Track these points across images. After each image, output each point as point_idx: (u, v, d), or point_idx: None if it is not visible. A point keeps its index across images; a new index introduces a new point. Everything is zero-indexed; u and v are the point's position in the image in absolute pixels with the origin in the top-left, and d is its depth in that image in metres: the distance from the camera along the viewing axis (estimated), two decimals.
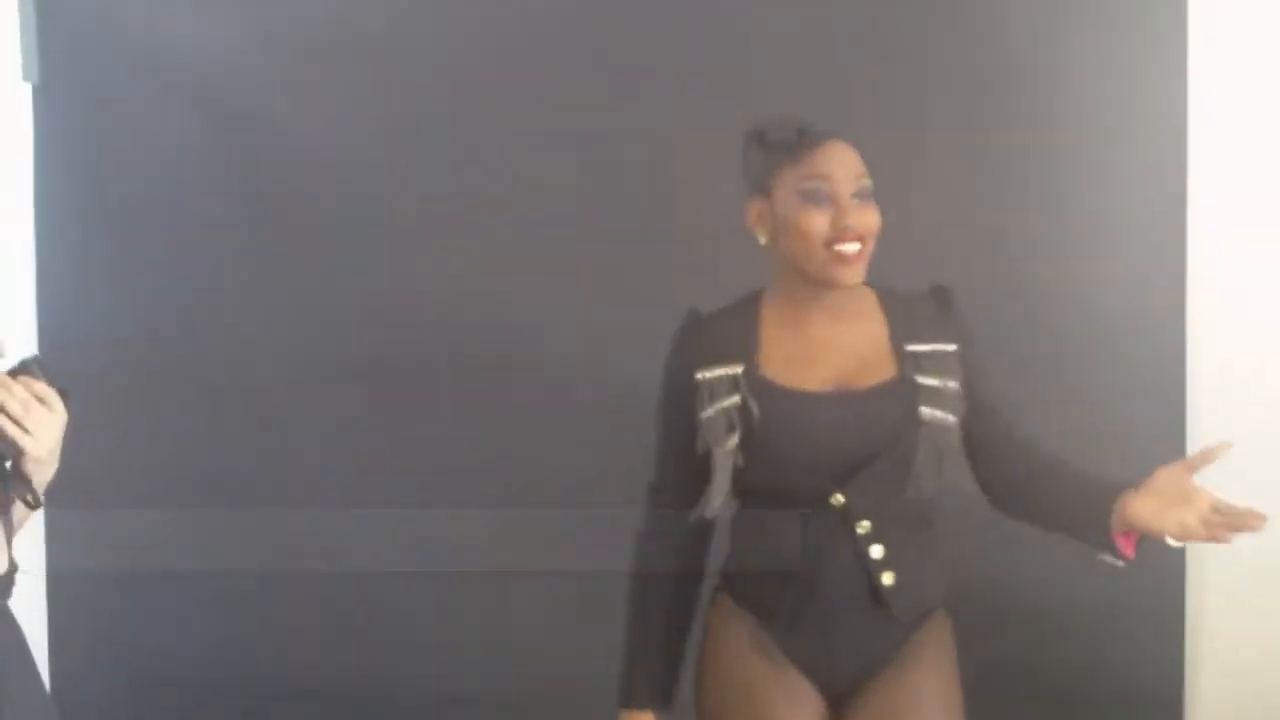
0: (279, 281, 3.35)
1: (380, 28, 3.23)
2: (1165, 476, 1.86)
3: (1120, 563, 1.96)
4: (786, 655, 2.00)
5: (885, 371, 1.96)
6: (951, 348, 1.97)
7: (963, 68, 3.04)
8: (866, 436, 1.93)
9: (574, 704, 2.66)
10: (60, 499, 3.35)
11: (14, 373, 1.68)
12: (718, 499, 1.99)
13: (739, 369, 1.97)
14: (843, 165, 1.93)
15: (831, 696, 2.00)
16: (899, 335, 1.98)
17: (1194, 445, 2.98)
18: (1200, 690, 3.07)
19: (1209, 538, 1.82)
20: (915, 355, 1.96)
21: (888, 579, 1.95)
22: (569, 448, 3.12)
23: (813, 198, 1.91)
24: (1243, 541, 2.89)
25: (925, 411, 1.93)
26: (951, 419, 1.94)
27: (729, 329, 2.03)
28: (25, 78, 3.35)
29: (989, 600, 3.08)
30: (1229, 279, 3.00)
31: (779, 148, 1.96)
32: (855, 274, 1.93)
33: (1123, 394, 3.03)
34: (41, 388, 1.66)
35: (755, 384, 1.96)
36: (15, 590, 3.36)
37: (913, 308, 2.01)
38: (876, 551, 1.94)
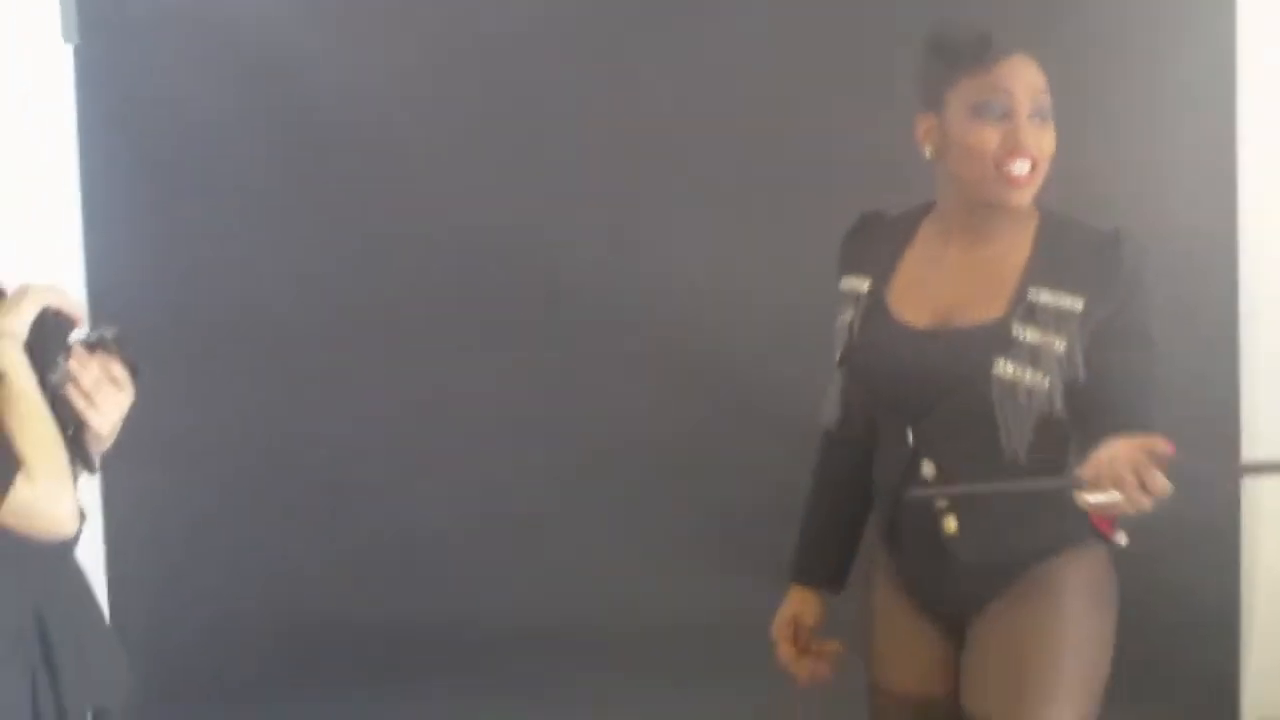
0: (321, 237, 3.37)
1: None
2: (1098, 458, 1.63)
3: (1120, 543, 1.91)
4: (900, 578, 1.99)
5: (993, 311, 1.82)
6: (1079, 304, 1.76)
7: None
8: (939, 378, 1.82)
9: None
10: (114, 451, 3.48)
11: (92, 345, 1.69)
12: (827, 408, 2.01)
13: (866, 285, 1.95)
14: (1023, 81, 1.81)
15: (951, 620, 1.96)
16: (1032, 273, 1.82)
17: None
18: (1256, 614, 3.06)
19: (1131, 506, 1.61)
20: (1031, 302, 1.79)
21: (950, 525, 1.86)
22: (621, 393, 3.13)
23: (988, 112, 1.80)
24: None
25: (1002, 365, 1.77)
26: (1044, 381, 1.75)
27: (881, 240, 1.99)
28: (66, 39, 3.36)
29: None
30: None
31: (959, 57, 1.83)
32: (1024, 196, 1.82)
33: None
34: (116, 367, 1.67)
35: (869, 305, 1.93)
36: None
37: (1070, 246, 1.83)
38: (941, 503, 1.86)
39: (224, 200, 3.39)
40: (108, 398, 1.65)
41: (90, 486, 3.52)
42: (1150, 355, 1.78)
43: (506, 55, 3.22)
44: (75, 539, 1.66)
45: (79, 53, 3.37)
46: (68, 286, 3.38)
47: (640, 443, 2.92)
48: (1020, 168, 1.79)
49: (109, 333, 1.70)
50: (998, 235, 1.86)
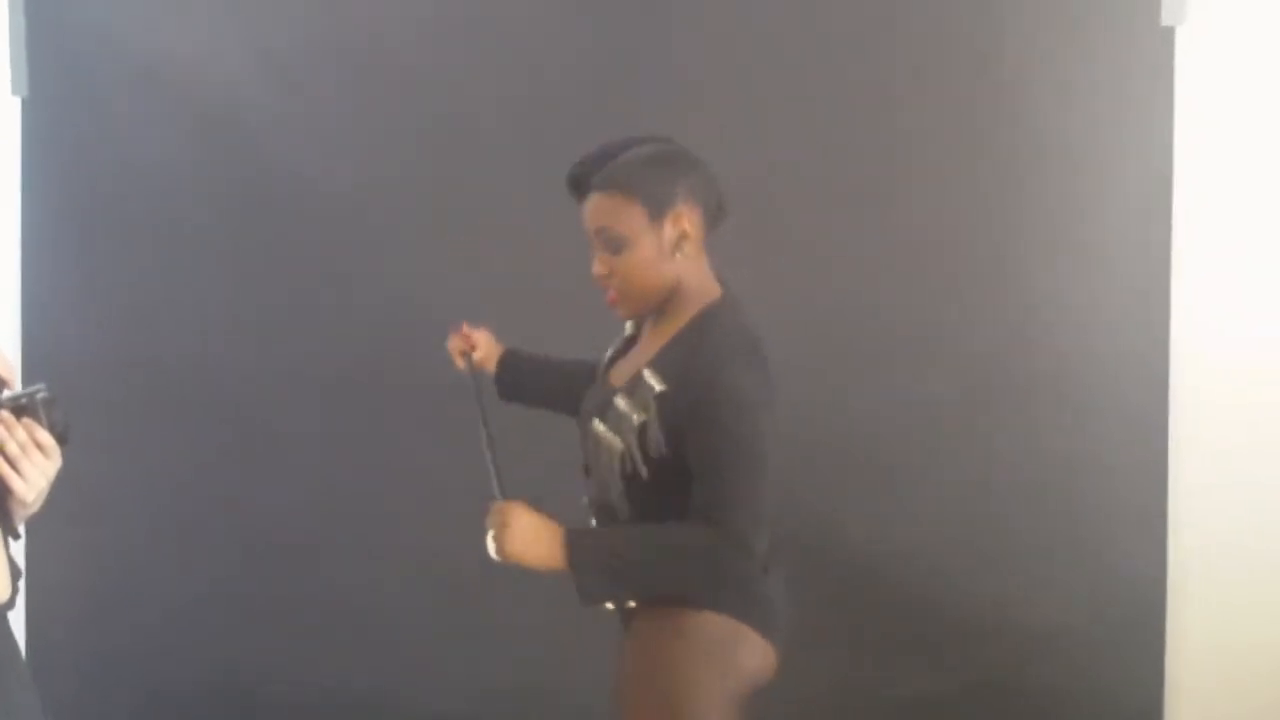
0: (267, 293, 3.37)
1: (367, 43, 3.25)
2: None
3: None
4: None
5: (619, 382, 2.11)
6: (659, 388, 1.99)
7: (957, 89, 3.07)
8: (582, 424, 2.15)
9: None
10: (44, 510, 3.42)
11: (20, 408, 1.62)
12: None
13: (608, 354, 2.28)
14: (589, 220, 2.08)
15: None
16: (654, 357, 2.06)
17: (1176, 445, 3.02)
18: (1178, 706, 3.08)
19: None
20: (637, 379, 2.04)
21: None
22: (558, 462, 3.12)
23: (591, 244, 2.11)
24: (1227, 561, 2.98)
25: (596, 423, 2.07)
26: (618, 443, 2.02)
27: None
28: (15, 91, 3.37)
29: (972, 621, 3.11)
30: (1214, 294, 3.05)
31: (573, 194, 2.15)
32: (621, 311, 2.12)
33: (1106, 412, 3.07)
34: (43, 435, 1.62)
35: (602, 369, 2.25)
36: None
37: (684, 340, 2.04)
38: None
39: (169, 252, 3.39)
40: (35, 465, 1.61)
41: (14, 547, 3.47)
42: (732, 453, 1.92)
43: (451, 118, 3.25)
44: (10, 604, 1.64)
45: (26, 105, 3.38)
46: (5, 336, 3.39)
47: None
48: (609, 296, 2.09)
49: (39, 393, 1.64)
50: (668, 318, 2.10)
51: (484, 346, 2.54)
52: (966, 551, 3.11)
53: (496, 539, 1.95)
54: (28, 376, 3.45)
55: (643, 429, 1.99)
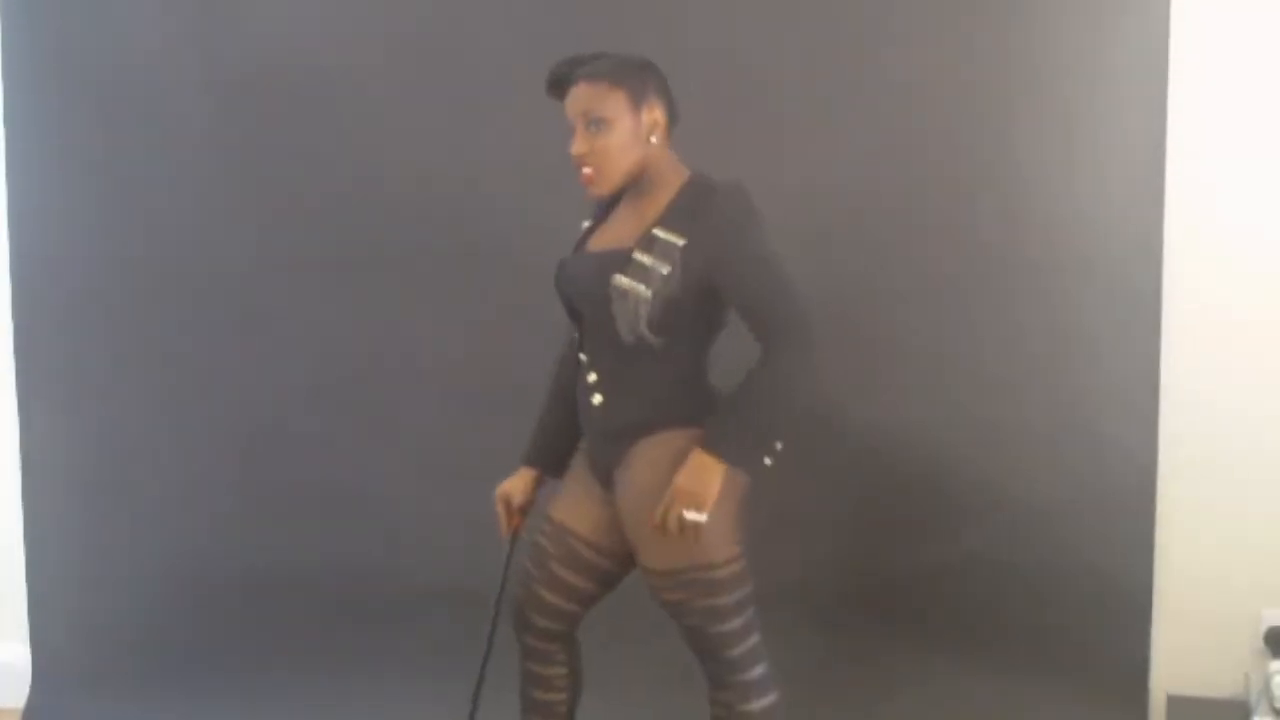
0: (265, 175, 3.34)
1: None
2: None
3: None
4: (585, 450, 2.58)
5: (625, 243, 2.38)
6: (681, 241, 2.32)
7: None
8: (582, 285, 2.42)
9: None
10: (47, 400, 3.45)
11: None
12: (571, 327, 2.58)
13: (587, 225, 2.55)
14: (574, 104, 2.38)
15: (605, 475, 2.50)
16: (659, 219, 2.36)
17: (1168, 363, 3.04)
18: (1167, 589, 3.12)
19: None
20: (651, 236, 2.34)
21: (596, 399, 2.44)
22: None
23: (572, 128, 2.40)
24: (1217, 441, 3.00)
25: (619, 278, 2.33)
26: (645, 292, 2.31)
27: (610, 198, 2.50)
28: None
29: (966, 499, 3.14)
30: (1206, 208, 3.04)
31: (551, 91, 2.46)
32: (594, 190, 2.40)
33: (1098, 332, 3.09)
34: None
35: (578, 241, 2.53)
36: None
37: (686, 201, 2.36)
38: (590, 377, 2.46)
39: (156, 135, 3.36)
40: None
41: (9, 436, 3.50)
42: (765, 274, 2.30)
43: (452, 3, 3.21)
44: None
45: None
46: None
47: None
48: (584, 173, 2.38)
49: None
50: (646, 195, 2.41)
51: (524, 498, 2.70)
52: (962, 430, 3.13)
53: (693, 510, 2.27)
54: (17, 267, 3.45)
55: (668, 278, 2.30)
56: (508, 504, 2.67)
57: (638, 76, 2.38)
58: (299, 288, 3.35)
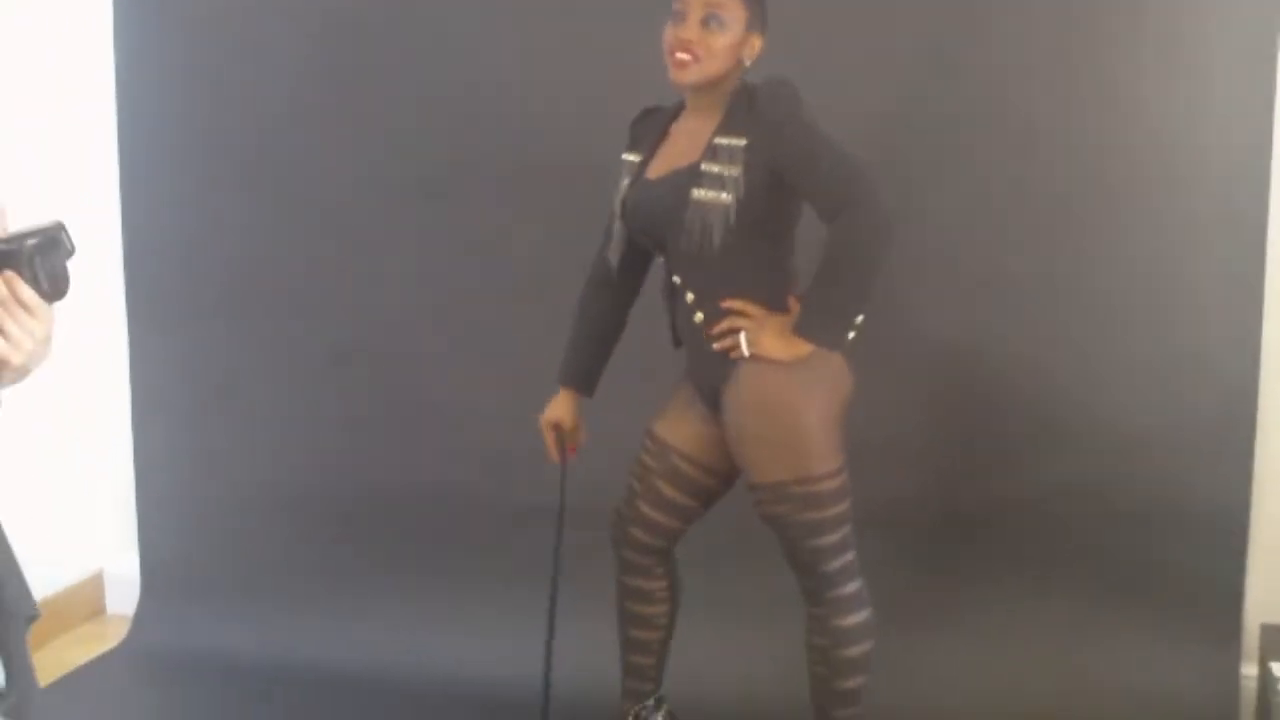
0: (354, 104, 3.40)
1: None
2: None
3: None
4: (688, 371, 2.63)
5: (692, 158, 2.44)
6: (743, 142, 2.38)
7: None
8: (657, 211, 2.47)
9: None
10: (155, 322, 3.54)
11: (1, 259, 1.40)
12: (613, 250, 2.63)
13: (637, 158, 2.59)
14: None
15: (711, 395, 2.55)
16: (718, 129, 2.43)
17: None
18: (1264, 518, 3.08)
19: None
20: (715, 145, 2.41)
21: (699, 318, 2.49)
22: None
23: (673, 18, 2.43)
24: None
25: (695, 192, 2.40)
26: (726, 198, 2.38)
27: (653, 125, 2.61)
28: None
29: (1058, 424, 3.11)
30: None
31: None
32: (683, 75, 2.42)
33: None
34: (25, 293, 1.40)
35: (636, 172, 2.57)
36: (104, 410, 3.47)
37: (739, 106, 2.43)
38: (689, 296, 2.50)
39: (259, 69, 3.44)
40: (21, 327, 1.40)
41: (120, 358, 3.60)
42: (824, 151, 2.36)
43: None
44: None
45: None
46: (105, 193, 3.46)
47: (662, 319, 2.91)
48: (680, 56, 2.40)
49: (30, 240, 1.40)
50: (704, 110, 2.48)
51: (573, 420, 2.77)
52: (1054, 354, 3.10)
53: (752, 340, 2.39)
54: (128, 195, 3.54)
55: (739, 180, 2.37)
56: (558, 429, 2.75)
57: (761, 4, 2.45)
58: (397, 213, 3.40)
